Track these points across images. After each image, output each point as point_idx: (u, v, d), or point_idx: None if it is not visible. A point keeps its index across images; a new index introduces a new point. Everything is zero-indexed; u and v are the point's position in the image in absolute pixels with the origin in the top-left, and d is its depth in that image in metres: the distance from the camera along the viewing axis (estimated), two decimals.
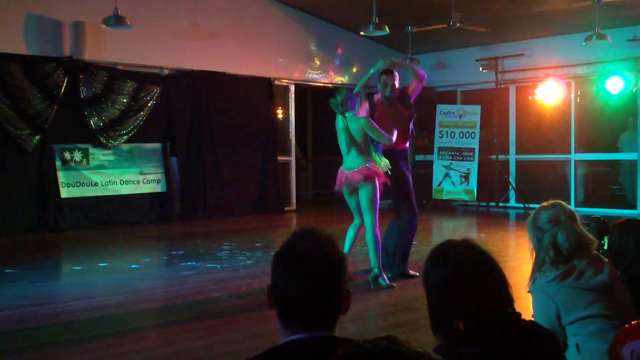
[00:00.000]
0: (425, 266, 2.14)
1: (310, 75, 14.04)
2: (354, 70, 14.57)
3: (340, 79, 14.44)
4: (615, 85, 12.43)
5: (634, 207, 12.43)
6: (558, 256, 2.94)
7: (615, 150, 13.32)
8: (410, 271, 6.96)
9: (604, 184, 14.44)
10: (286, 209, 13.54)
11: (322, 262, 1.83)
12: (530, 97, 13.66)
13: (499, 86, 13.98)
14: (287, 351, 1.79)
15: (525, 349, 2.03)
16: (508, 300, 2.08)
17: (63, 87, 10.47)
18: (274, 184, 13.23)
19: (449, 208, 14.25)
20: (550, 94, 13.23)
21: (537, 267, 3.01)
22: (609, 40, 11.08)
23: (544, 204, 3.12)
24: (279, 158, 13.48)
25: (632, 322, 2.24)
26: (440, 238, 2.19)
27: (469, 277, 2.03)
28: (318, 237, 1.88)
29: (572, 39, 12.58)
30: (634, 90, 12.40)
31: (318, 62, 14.12)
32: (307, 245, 1.86)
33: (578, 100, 13.39)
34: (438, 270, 2.08)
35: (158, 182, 11.77)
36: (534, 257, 3.09)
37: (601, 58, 12.45)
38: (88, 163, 11.00)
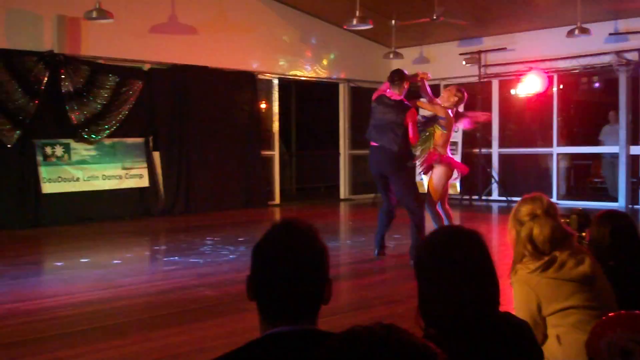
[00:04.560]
0: (423, 252, 2.09)
1: (294, 69, 14.01)
2: (337, 63, 14.54)
3: (324, 73, 14.42)
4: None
5: (615, 199, 12.51)
6: (535, 249, 2.97)
7: (597, 143, 13.41)
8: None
9: (585, 176, 14.54)
10: (270, 203, 13.52)
11: (301, 253, 1.82)
12: (513, 91, 13.70)
13: (482, 80, 14.02)
14: (268, 344, 1.77)
15: (500, 340, 2.03)
16: (496, 297, 2.07)
17: (44, 82, 10.36)
18: (258, 179, 13.18)
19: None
20: (532, 88, 13.28)
21: (517, 259, 3.04)
22: (591, 34, 11.15)
23: (526, 196, 3.13)
24: (263, 152, 13.44)
25: (610, 314, 2.25)
26: (424, 232, 2.15)
27: (467, 271, 2.00)
28: (298, 228, 1.87)
29: (554, 33, 12.63)
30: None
31: (301, 56, 14.09)
32: (287, 236, 1.85)
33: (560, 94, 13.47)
34: (436, 259, 2.03)
35: (141, 177, 11.70)
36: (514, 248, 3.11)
37: (583, 51, 12.51)
38: (70, 158, 10.92)
